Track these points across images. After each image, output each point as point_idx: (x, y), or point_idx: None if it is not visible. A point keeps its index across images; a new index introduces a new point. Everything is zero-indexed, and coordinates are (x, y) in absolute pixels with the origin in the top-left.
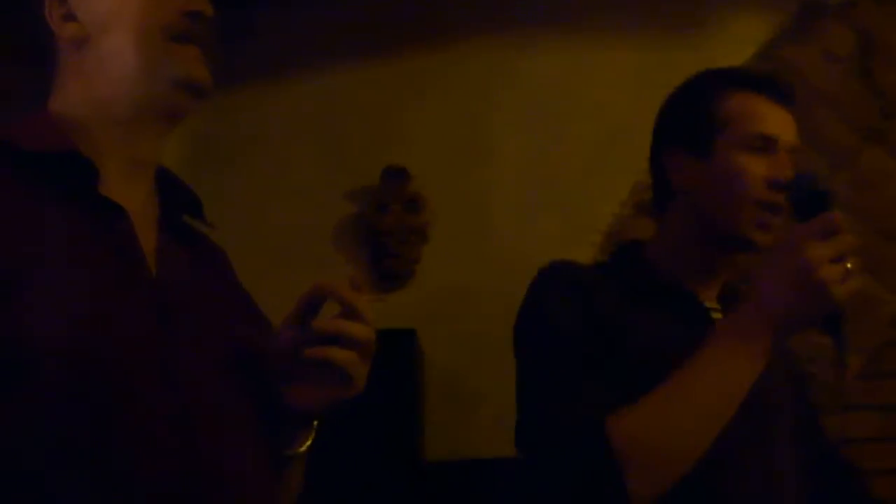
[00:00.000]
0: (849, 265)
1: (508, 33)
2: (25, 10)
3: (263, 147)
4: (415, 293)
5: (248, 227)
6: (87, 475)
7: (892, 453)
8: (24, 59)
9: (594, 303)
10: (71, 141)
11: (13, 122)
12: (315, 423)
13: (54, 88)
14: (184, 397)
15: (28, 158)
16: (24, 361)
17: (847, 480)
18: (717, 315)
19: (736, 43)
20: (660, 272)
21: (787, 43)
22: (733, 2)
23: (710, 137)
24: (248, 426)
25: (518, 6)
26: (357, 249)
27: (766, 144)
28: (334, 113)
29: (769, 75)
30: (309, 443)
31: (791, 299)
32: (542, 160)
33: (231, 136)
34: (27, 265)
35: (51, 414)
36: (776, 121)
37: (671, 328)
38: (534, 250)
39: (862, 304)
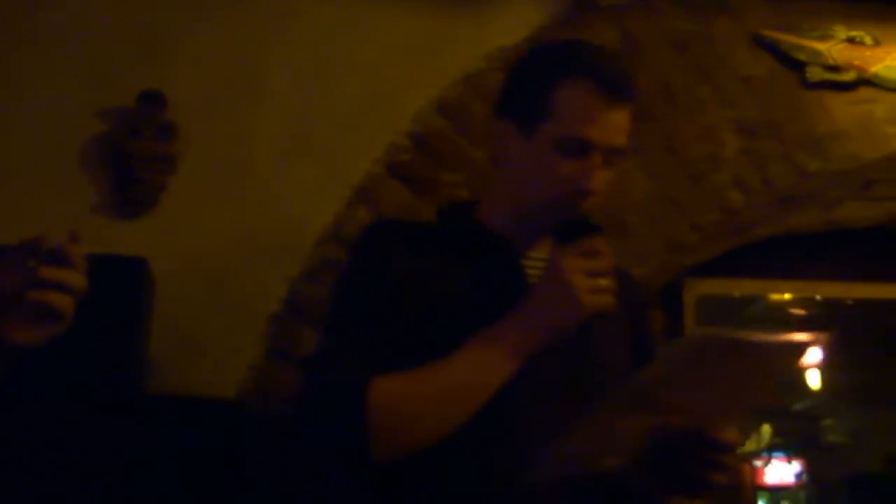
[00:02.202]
0: (601, 282)
1: None
2: None
3: (17, 48)
4: (156, 223)
5: None
6: None
7: None
8: None
9: (398, 264)
10: None
11: None
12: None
13: None
14: None
15: None
16: None
17: None
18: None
19: (511, 24)
20: (486, 231)
21: (557, 32)
22: None
23: (535, 121)
24: None
25: None
26: (102, 171)
27: (582, 148)
28: (97, 26)
29: (615, 72)
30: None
31: (545, 304)
32: (306, 108)
33: None
34: None
35: None
36: (603, 124)
37: (480, 286)
38: (284, 195)
39: None
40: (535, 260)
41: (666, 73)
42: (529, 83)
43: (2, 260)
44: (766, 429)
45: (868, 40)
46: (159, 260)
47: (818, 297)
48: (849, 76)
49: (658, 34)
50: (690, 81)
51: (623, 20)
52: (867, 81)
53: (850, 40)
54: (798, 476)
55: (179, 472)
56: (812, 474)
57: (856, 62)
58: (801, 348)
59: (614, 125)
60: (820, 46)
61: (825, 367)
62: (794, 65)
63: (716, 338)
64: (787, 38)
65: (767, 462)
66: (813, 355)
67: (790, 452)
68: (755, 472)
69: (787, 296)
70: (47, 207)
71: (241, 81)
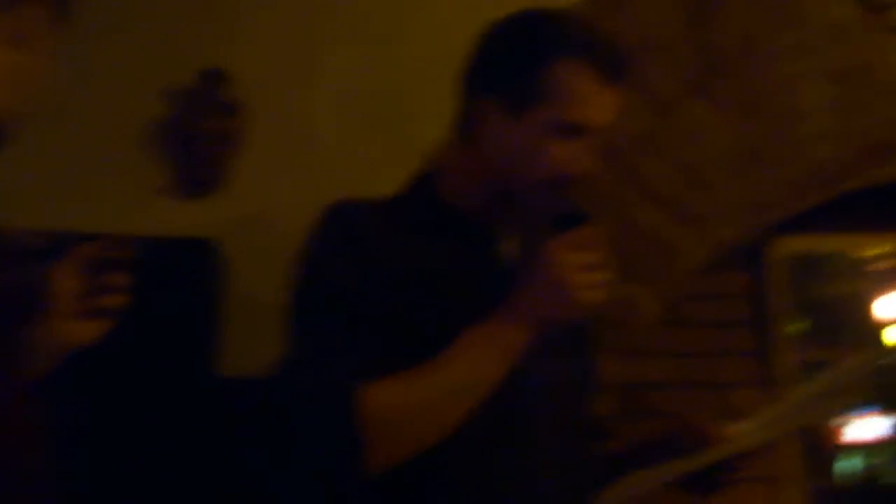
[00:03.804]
0: (597, 276)
1: None
2: None
3: (81, 34)
4: (223, 202)
5: (57, 115)
6: None
7: (682, 398)
8: None
9: (374, 249)
10: None
11: None
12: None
13: None
14: None
15: None
16: None
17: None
18: (509, 246)
19: None
20: (450, 208)
21: None
22: None
23: (525, 104)
24: None
25: None
26: (166, 151)
27: (578, 130)
28: (157, 6)
29: (610, 50)
30: None
31: (540, 301)
32: (370, 77)
33: None
34: None
35: None
36: (597, 105)
37: (456, 270)
38: (353, 167)
39: (666, 255)
40: (509, 247)
41: (745, 24)
42: (519, 61)
43: (64, 265)
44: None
45: None
46: (231, 239)
47: None
48: None
49: None
50: (770, 30)
51: None
52: None
53: None
54: (893, 429)
55: (255, 454)
56: None
57: None
58: None
59: (610, 106)
60: None
61: None
62: (878, 7)
63: None
64: None
65: (861, 417)
66: None
67: (884, 407)
68: (848, 428)
69: (875, 251)
70: (114, 190)
71: (302, 54)
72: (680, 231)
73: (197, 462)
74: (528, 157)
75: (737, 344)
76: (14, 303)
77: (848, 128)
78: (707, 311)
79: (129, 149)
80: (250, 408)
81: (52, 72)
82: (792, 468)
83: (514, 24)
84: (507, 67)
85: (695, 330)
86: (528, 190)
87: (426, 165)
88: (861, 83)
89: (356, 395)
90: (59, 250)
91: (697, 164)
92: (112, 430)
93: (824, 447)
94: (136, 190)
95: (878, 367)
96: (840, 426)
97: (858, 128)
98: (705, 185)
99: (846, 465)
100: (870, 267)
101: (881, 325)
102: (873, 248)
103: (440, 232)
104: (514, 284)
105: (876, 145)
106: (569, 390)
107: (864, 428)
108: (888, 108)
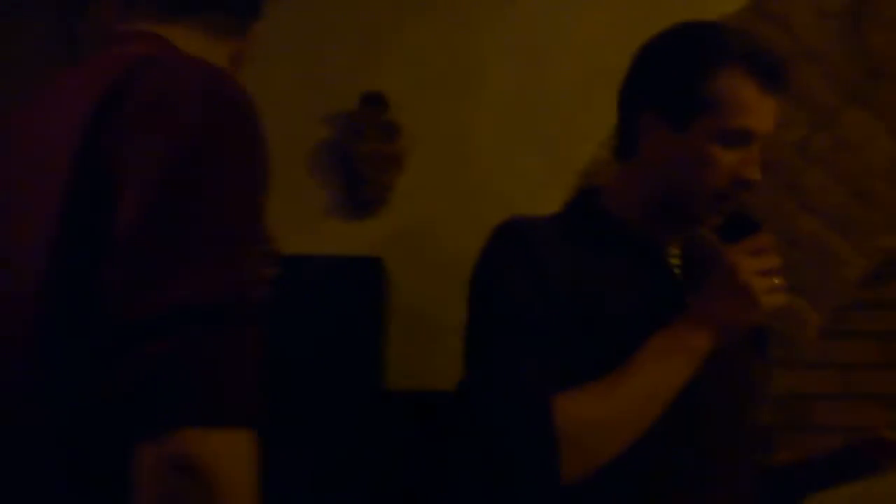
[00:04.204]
0: (776, 280)
1: None
2: None
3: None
4: (386, 221)
5: None
6: None
7: (849, 410)
8: None
9: (549, 264)
10: None
11: None
12: None
13: None
14: None
15: None
16: None
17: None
18: (675, 261)
19: None
20: (617, 222)
21: None
22: None
23: (690, 116)
24: None
25: None
26: (330, 174)
27: (743, 138)
28: (315, 34)
29: (769, 58)
30: None
31: (724, 306)
32: (525, 96)
33: None
34: None
35: None
36: (761, 113)
37: (629, 282)
38: (511, 185)
39: (828, 265)
40: (673, 257)
41: None
42: (681, 73)
43: None
44: None
45: None
46: (394, 257)
47: None
48: None
49: None
50: None
51: None
52: None
53: None
54: None
55: (422, 467)
56: None
57: None
58: None
59: (771, 114)
60: None
61: None
62: None
63: None
64: None
65: None
66: None
67: None
68: None
69: None
70: (283, 213)
71: (457, 75)
72: (841, 241)
73: (364, 475)
74: (697, 167)
75: None
76: None
77: None
78: (869, 322)
79: (296, 172)
80: (431, 423)
81: None
82: None
83: (673, 36)
84: (669, 80)
85: (857, 340)
86: (697, 199)
87: (587, 181)
88: None
89: (550, 410)
90: None
91: (857, 171)
92: (281, 441)
93: None
94: (304, 211)
95: None
96: None
97: None
98: (866, 193)
99: None
100: None
101: None
102: None
103: (610, 245)
104: (692, 291)
105: None
106: (743, 397)
107: None
108: None
